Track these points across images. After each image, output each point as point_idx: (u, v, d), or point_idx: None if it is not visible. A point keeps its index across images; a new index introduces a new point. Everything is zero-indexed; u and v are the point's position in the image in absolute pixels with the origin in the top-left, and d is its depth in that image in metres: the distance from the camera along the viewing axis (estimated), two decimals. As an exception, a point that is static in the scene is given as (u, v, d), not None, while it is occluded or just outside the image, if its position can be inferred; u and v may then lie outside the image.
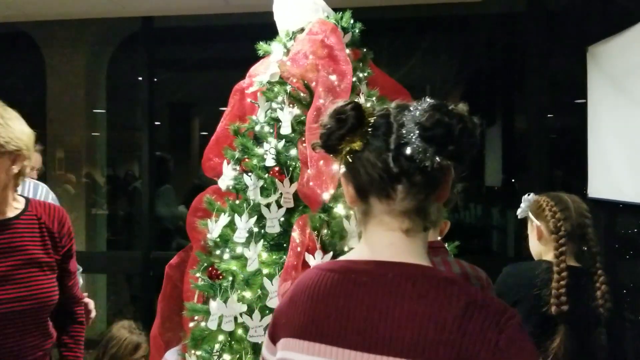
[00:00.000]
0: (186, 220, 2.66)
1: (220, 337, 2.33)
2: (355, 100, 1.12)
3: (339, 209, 2.24)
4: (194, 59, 5.53)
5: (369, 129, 1.05)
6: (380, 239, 1.08)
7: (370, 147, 1.05)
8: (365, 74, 2.45)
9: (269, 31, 2.53)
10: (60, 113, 5.28)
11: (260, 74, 2.51)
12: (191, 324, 2.49)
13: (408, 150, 1.00)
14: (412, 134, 1.00)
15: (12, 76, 5.08)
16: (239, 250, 2.28)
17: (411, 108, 1.04)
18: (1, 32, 4.87)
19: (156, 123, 6.86)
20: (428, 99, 1.04)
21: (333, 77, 2.31)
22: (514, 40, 4.55)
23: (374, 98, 2.41)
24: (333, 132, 1.08)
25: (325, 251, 2.15)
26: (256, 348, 2.25)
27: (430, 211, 1.07)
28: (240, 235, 2.24)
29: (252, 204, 2.27)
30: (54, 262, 2.06)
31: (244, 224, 2.25)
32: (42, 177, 3.36)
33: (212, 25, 4.81)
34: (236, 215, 2.29)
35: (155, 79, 5.02)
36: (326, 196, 2.21)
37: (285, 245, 2.29)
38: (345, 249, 2.17)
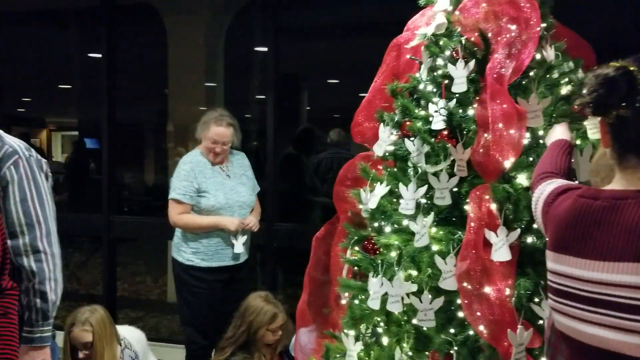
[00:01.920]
0: (333, 190, 2.46)
1: (377, 318, 2.12)
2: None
3: (521, 180, 1.94)
4: (314, 26, 5.31)
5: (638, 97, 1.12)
6: (631, 180, 1.18)
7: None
8: (546, 25, 2.10)
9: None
10: (179, 85, 5.26)
11: (422, 26, 2.24)
12: (343, 301, 2.30)
13: None
14: None
15: (135, 47, 5.09)
16: (404, 222, 2.04)
17: None
18: (124, 3, 4.88)
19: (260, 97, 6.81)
20: None
21: (513, 27, 2.00)
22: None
23: (559, 52, 2.07)
24: (603, 100, 1.16)
25: (509, 228, 1.86)
26: (419, 333, 2.01)
27: None
28: (408, 207, 2.00)
29: (419, 172, 2.01)
30: None
31: (412, 193, 2.00)
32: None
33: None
34: (400, 184, 2.04)
35: (267, 49, 4.88)
36: (507, 164, 1.92)
37: (454, 219, 2.03)
38: (535, 226, 1.87)
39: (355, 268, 2.33)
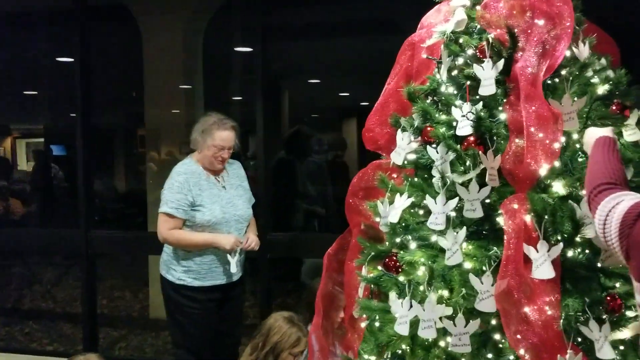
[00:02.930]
0: (345, 201, 2.27)
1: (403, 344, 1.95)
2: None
3: (558, 188, 1.79)
4: (295, 26, 5.12)
5: None
6: None
7: None
8: (577, 19, 1.96)
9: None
10: (154, 87, 5.02)
11: (439, 23, 2.07)
12: (363, 324, 2.12)
13: None
14: None
15: (109, 50, 4.82)
16: (432, 238, 1.86)
17: None
18: (97, 4, 4.61)
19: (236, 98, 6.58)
20: None
21: (543, 22, 1.84)
22: None
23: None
24: None
25: (549, 241, 1.70)
26: (450, 358, 1.84)
27: None
28: (438, 221, 1.82)
29: (447, 182, 1.84)
30: None
31: (441, 206, 1.83)
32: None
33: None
34: (428, 197, 1.87)
35: (252, 49, 4.66)
36: (542, 172, 1.76)
37: (484, 233, 1.86)
38: (578, 239, 1.72)
39: (372, 286, 2.16)
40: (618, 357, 1.69)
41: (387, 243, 2.11)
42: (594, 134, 1.62)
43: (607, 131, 1.59)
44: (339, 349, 2.46)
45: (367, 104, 7.18)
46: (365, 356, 2.05)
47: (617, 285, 1.75)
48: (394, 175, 2.18)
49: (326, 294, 2.31)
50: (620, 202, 1.24)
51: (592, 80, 1.87)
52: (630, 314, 1.74)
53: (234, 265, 2.99)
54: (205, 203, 3.01)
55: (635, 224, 1.15)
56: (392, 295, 2.04)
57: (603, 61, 1.91)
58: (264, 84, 3.85)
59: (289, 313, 2.92)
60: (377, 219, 2.13)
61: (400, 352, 1.97)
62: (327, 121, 7.29)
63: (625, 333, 1.71)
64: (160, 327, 4.53)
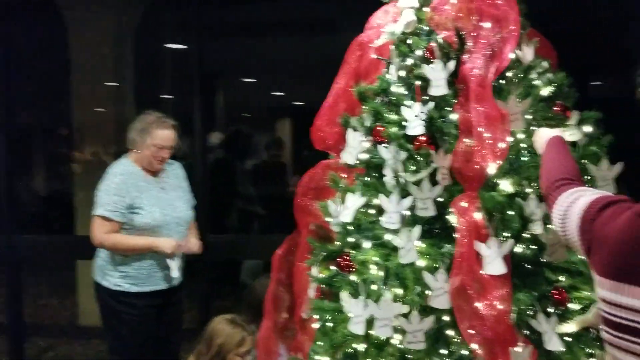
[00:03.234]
0: (295, 202, 2.25)
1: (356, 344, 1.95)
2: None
3: (506, 186, 1.84)
4: (231, 24, 5.03)
5: None
6: None
7: None
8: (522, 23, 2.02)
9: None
10: (81, 85, 4.80)
11: (388, 23, 2.08)
12: (315, 325, 2.10)
13: None
14: None
15: (32, 43, 4.56)
16: (386, 237, 1.87)
17: None
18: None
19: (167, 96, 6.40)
20: None
21: (490, 25, 1.89)
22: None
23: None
24: None
25: (498, 238, 1.75)
26: (404, 356, 1.86)
27: None
28: (392, 220, 1.83)
29: (400, 181, 1.86)
30: None
31: (395, 205, 1.84)
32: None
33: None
34: (381, 196, 1.87)
35: (185, 46, 4.54)
36: (491, 171, 1.81)
37: (436, 231, 1.90)
38: (526, 235, 1.78)
39: (323, 286, 2.15)
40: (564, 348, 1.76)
41: (337, 243, 2.11)
42: (544, 133, 1.67)
43: (558, 131, 1.65)
44: (283, 350, 2.43)
45: (301, 103, 7.20)
46: (317, 357, 2.04)
47: (562, 279, 1.82)
48: (344, 175, 2.18)
49: (275, 295, 2.28)
50: (580, 197, 1.27)
51: (536, 83, 1.94)
52: (573, 306, 1.82)
53: (176, 269, 2.90)
54: (144, 205, 2.90)
55: (596, 219, 1.18)
56: (344, 295, 2.04)
57: (545, 64, 1.99)
58: (201, 82, 3.75)
59: (230, 315, 2.86)
60: (328, 219, 2.12)
61: (353, 351, 1.97)
62: (260, 121, 7.23)
63: (570, 325, 1.78)
64: (90, 334, 4.33)
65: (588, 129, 1.94)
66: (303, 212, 2.22)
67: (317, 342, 2.04)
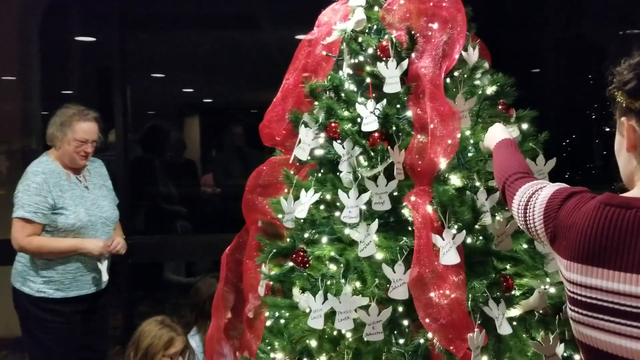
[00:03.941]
0: (243, 199, 2.22)
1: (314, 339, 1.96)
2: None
3: (455, 181, 1.93)
4: (142, 16, 4.84)
5: None
6: None
7: None
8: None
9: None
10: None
11: (338, 22, 2.11)
12: (269, 322, 2.09)
13: None
14: None
15: None
16: (346, 232, 1.90)
17: None
18: None
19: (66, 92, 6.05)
20: None
21: (436, 26, 1.97)
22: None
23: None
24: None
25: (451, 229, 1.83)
26: (360, 349, 1.90)
27: None
28: (351, 215, 1.86)
29: (359, 177, 1.89)
30: None
31: (354, 200, 1.87)
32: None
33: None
34: (340, 191, 1.90)
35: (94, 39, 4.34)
36: (443, 166, 1.89)
37: (391, 224, 1.95)
38: (477, 226, 1.87)
39: (273, 284, 2.14)
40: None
41: (288, 239, 2.11)
42: (498, 131, 1.77)
43: (507, 134, 1.75)
44: (227, 350, 2.40)
45: (210, 100, 7.06)
46: (272, 355, 2.03)
47: (508, 267, 1.94)
48: (292, 172, 2.18)
49: (223, 294, 2.24)
50: (542, 188, 1.36)
51: (480, 82, 2.04)
52: (516, 292, 1.94)
53: (104, 272, 2.76)
54: (68, 205, 2.73)
55: (561, 208, 1.27)
56: (296, 290, 2.05)
57: (486, 65, 2.10)
58: (124, 76, 3.59)
59: (161, 316, 2.79)
60: (280, 216, 2.12)
61: (309, 347, 1.98)
62: (168, 118, 7.02)
63: (515, 309, 1.90)
64: (5, 346, 3.99)
65: (525, 126, 2.08)
66: (250, 209, 2.20)
67: (270, 340, 2.04)
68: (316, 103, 2.07)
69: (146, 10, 4.80)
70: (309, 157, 2.06)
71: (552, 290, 1.94)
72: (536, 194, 1.36)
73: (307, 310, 1.91)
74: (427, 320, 1.78)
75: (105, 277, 2.78)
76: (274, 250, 2.10)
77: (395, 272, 1.82)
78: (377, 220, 1.86)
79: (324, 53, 2.11)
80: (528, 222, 1.37)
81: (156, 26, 5.14)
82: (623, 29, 4.21)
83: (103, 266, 2.76)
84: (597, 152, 5.05)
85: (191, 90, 7.22)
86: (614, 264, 1.14)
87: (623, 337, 1.12)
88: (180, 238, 4.06)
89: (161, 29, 5.14)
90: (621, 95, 1.19)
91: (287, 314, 2.02)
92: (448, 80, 2.01)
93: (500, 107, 2.03)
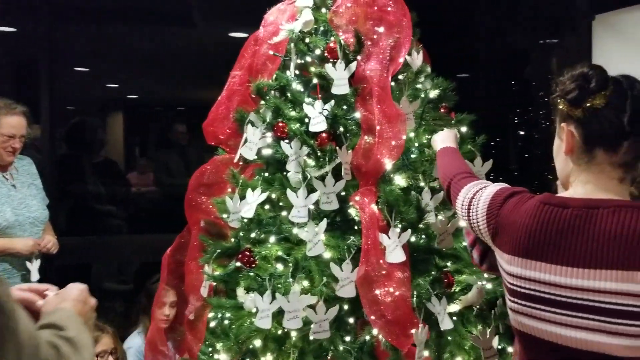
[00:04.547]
0: (185, 198, 2.18)
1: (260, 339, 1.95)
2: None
3: (399, 181, 1.99)
4: (68, 7, 4.62)
5: (608, 92, 1.23)
6: (598, 184, 1.26)
7: (609, 106, 1.23)
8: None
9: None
10: None
11: (285, 22, 2.12)
12: (213, 323, 2.06)
13: None
14: None
15: None
16: (294, 231, 1.90)
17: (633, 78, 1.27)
18: None
19: None
20: None
21: (385, 29, 2.02)
22: None
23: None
24: (579, 91, 1.25)
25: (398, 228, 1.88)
26: (305, 348, 1.91)
27: (638, 166, 1.27)
28: (301, 215, 1.87)
29: (307, 176, 1.90)
30: None
31: (303, 200, 1.88)
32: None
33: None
34: (289, 191, 1.90)
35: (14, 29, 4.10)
36: (389, 166, 1.94)
37: (337, 224, 1.98)
38: (421, 225, 1.93)
39: (216, 285, 2.12)
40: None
41: (232, 239, 2.09)
42: (445, 136, 1.83)
43: (453, 141, 1.81)
44: (172, 350, 2.35)
45: (135, 96, 6.84)
46: (216, 356, 2.00)
47: (449, 264, 2.01)
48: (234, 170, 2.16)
49: (162, 296, 2.19)
50: (485, 187, 1.44)
51: (423, 86, 2.11)
52: (457, 289, 2.02)
53: (35, 272, 2.63)
54: (-7, 205, 2.58)
55: (503, 206, 1.35)
56: (241, 291, 2.04)
57: (428, 69, 2.17)
58: (52, 70, 3.42)
59: None
60: (224, 215, 2.10)
61: (255, 347, 1.97)
62: (91, 114, 6.75)
63: (455, 305, 1.97)
64: None
65: (464, 129, 2.16)
66: (193, 209, 2.16)
67: (211, 341, 2.01)
68: (263, 102, 2.07)
69: (74, 2, 4.60)
70: (255, 157, 2.05)
71: (489, 285, 2.03)
72: (479, 193, 1.43)
73: (254, 311, 1.90)
74: (373, 317, 1.82)
75: (35, 277, 2.64)
76: (218, 251, 2.07)
77: (342, 271, 1.84)
78: (325, 219, 1.88)
79: (271, 52, 2.11)
80: (471, 218, 1.44)
81: (85, 19, 4.93)
82: (544, 38, 4.45)
83: (33, 266, 2.62)
84: (516, 154, 5.32)
85: (116, 85, 6.98)
86: (551, 258, 1.22)
87: (557, 325, 1.22)
88: (108, 238, 3.91)
89: (88, 22, 4.93)
90: (563, 103, 1.28)
91: (232, 315, 2.00)
92: (393, 83, 2.06)
93: (442, 110, 2.10)
